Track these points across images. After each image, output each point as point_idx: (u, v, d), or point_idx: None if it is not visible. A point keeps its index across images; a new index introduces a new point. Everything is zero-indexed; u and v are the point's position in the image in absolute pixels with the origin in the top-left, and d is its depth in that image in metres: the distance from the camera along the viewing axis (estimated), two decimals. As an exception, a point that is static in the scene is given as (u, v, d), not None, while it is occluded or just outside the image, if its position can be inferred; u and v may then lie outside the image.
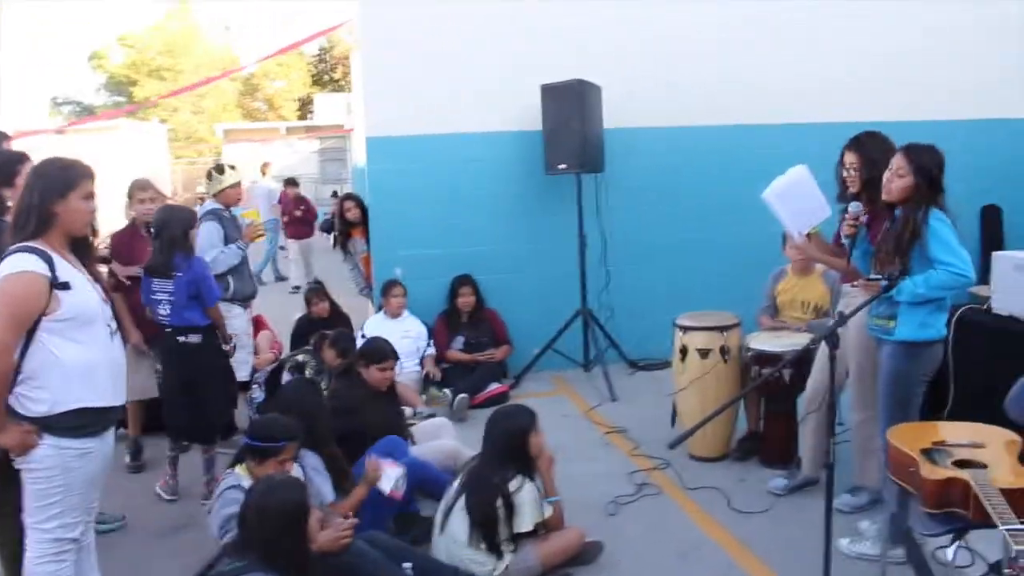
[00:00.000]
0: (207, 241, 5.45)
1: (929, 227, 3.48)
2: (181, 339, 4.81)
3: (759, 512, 4.39)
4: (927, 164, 3.54)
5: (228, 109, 43.20)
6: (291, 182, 14.78)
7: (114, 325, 3.08)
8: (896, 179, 3.57)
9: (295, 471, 3.65)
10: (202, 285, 4.82)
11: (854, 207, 3.69)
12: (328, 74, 47.45)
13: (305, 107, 45.19)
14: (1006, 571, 2.20)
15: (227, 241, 5.60)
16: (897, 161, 3.58)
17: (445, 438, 4.93)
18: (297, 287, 12.90)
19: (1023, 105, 8.19)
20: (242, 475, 3.44)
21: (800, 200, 4.07)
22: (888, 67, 7.77)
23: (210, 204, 5.85)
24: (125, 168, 6.62)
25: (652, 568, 3.89)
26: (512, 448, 3.71)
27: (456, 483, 3.77)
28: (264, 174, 16.80)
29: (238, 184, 5.86)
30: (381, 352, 4.87)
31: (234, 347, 5.15)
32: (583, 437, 5.69)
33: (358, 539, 3.44)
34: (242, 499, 3.02)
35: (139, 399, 5.28)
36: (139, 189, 5.49)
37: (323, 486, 3.86)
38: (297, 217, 13.83)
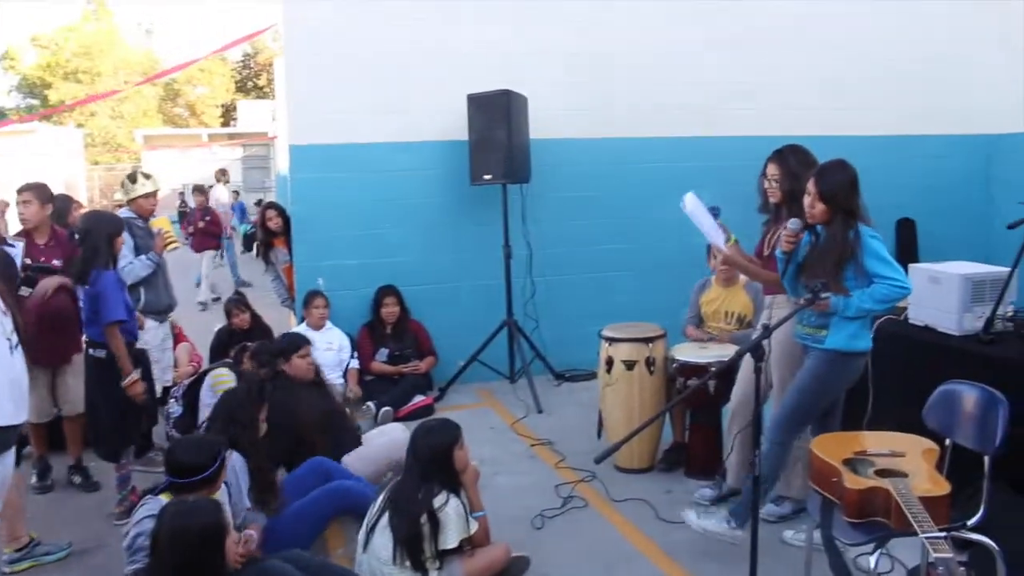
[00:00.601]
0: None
1: (863, 245, 3.53)
2: (91, 352, 4.64)
3: (685, 523, 4.38)
4: (832, 189, 3.57)
5: (148, 114, 42.23)
6: (199, 189, 13.64)
7: (15, 339, 2.93)
8: (815, 203, 3.62)
9: (222, 491, 3.52)
10: (100, 302, 4.51)
11: (793, 224, 3.71)
12: (252, 80, 46.79)
13: (228, 114, 44.47)
14: (925, 579, 2.22)
15: (138, 252, 5.42)
16: (809, 186, 3.65)
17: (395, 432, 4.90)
18: (203, 303, 12.13)
19: (934, 123, 8.45)
20: (165, 501, 3.27)
21: (700, 222, 4.14)
22: (808, 84, 7.94)
23: (124, 212, 5.64)
24: (39, 174, 6.34)
25: (579, 582, 3.87)
26: (436, 463, 3.63)
27: (379, 499, 3.68)
28: (219, 180, 16.50)
29: (153, 194, 5.67)
30: (293, 342, 4.95)
31: (138, 377, 4.74)
32: (509, 450, 5.65)
33: (275, 558, 3.34)
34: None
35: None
36: (17, 192, 5.24)
37: (240, 491, 3.80)
38: (201, 228, 12.74)
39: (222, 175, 17.00)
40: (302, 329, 6.69)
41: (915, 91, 8.31)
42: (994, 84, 8.46)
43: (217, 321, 7.52)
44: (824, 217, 3.61)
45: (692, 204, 4.11)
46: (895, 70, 8.21)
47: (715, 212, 4.18)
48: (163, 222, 5.57)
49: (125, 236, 5.32)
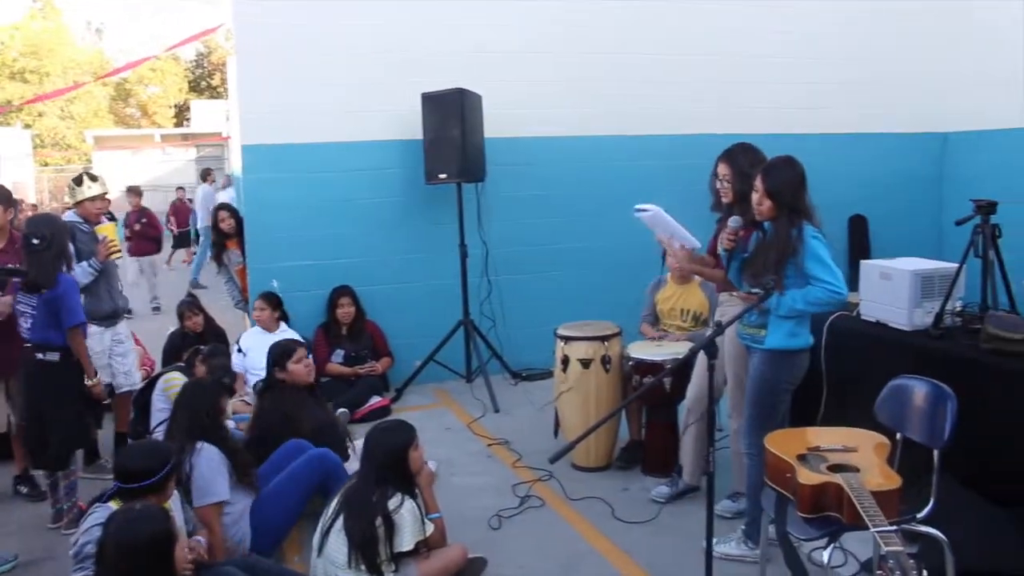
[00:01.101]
0: None
1: (805, 245, 3.54)
2: (39, 356, 4.52)
3: (642, 521, 4.39)
4: (779, 187, 3.58)
5: (99, 115, 41.51)
6: (133, 191, 12.93)
7: None
8: (762, 200, 3.64)
9: (174, 497, 3.45)
10: (61, 305, 4.50)
11: (733, 222, 3.73)
12: (206, 80, 46.23)
13: (182, 114, 43.89)
14: (877, 572, 2.23)
15: (80, 257, 5.28)
16: (756, 183, 3.66)
17: None
18: (128, 310, 11.84)
19: (886, 121, 8.57)
20: (115, 508, 3.20)
21: (670, 227, 4.14)
22: (763, 84, 8.01)
23: (69, 216, 5.49)
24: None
25: (536, 582, 3.85)
26: (391, 465, 3.59)
27: (333, 503, 3.63)
28: (204, 180, 16.49)
29: (100, 196, 5.52)
30: (287, 348, 4.93)
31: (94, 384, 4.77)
32: (466, 450, 5.62)
33: (228, 564, 3.29)
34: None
35: None
36: None
37: (212, 484, 3.79)
38: (137, 231, 12.18)
39: (207, 175, 16.91)
40: (256, 331, 6.61)
41: (868, 90, 8.42)
42: (944, 84, 8.59)
43: (171, 324, 7.41)
44: (770, 214, 3.62)
45: (654, 215, 4.10)
46: (848, 69, 8.32)
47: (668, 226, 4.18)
48: (108, 229, 5.39)
49: None
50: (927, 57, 8.57)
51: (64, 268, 4.60)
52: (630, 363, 4.97)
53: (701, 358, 4.25)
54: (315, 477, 4.15)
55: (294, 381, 4.87)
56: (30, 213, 11.28)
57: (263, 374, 6.29)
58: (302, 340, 5.22)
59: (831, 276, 3.52)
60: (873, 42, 8.40)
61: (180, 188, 20.43)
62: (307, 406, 4.82)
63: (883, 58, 8.44)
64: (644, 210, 4.03)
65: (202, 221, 15.48)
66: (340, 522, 3.52)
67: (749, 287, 3.71)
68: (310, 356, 6.48)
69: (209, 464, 3.84)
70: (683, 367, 4.43)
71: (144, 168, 31.70)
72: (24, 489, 5.11)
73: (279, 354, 4.93)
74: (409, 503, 3.53)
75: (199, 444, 3.89)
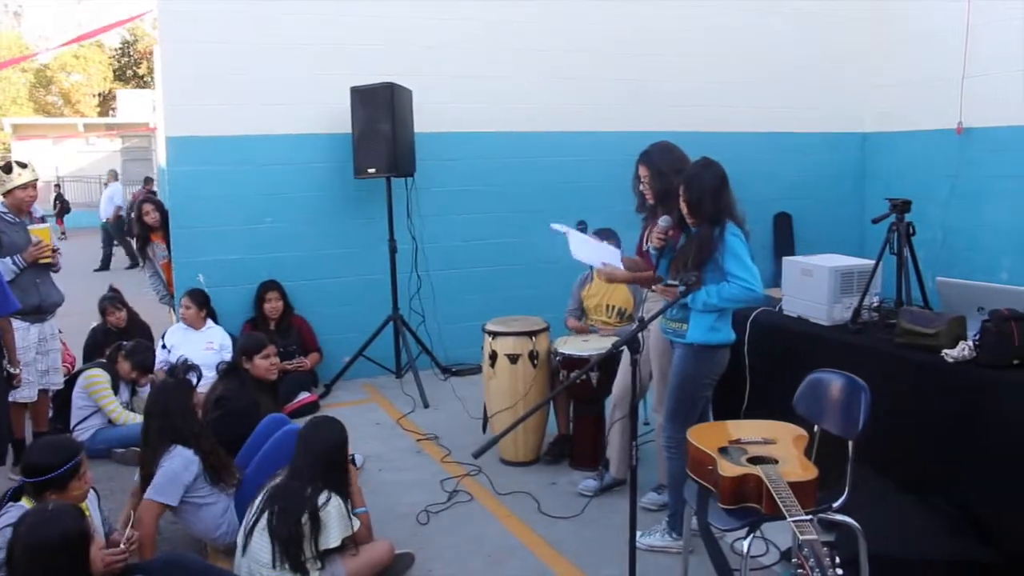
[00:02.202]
0: None
1: (725, 242, 3.61)
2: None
3: (570, 516, 4.43)
4: (699, 196, 3.65)
5: (18, 102, 40.27)
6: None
7: None
8: (686, 209, 3.71)
9: (90, 498, 3.38)
10: None
11: (663, 221, 3.79)
12: (132, 69, 45.07)
13: (107, 103, 42.77)
14: (794, 560, 2.29)
15: (4, 249, 5.10)
16: (680, 192, 3.73)
17: None
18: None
19: (809, 121, 8.77)
20: (28, 507, 3.11)
21: (587, 249, 4.20)
22: (692, 82, 8.14)
23: None
24: None
25: (464, 575, 3.86)
26: (328, 460, 3.56)
27: (258, 501, 3.59)
28: (114, 180, 16.88)
29: (31, 184, 5.31)
30: (260, 342, 4.94)
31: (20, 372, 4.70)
32: (395, 445, 5.60)
33: (149, 567, 3.23)
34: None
35: None
36: None
37: (165, 486, 3.78)
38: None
39: (113, 176, 17.39)
40: (181, 327, 6.50)
41: (792, 90, 8.60)
42: (864, 86, 8.84)
43: (93, 319, 7.22)
44: (697, 220, 3.70)
45: (569, 241, 4.18)
46: (773, 70, 8.49)
47: (582, 227, 4.25)
48: (44, 232, 5.19)
49: None
50: (847, 60, 8.80)
51: None
52: (558, 358, 5.01)
53: (627, 353, 4.30)
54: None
55: (255, 375, 4.86)
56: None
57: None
58: (264, 339, 5.14)
59: (747, 274, 3.60)
60: (797, 44, 8.59)
61: (148, 179, 20.00)
62: (264, 403, 4.77)
63: (806, 59, 8.63)
64: (558, 231, 4.12)
65: (104, 216, 16.77)
66: (264, 520, 3.47)
67: (673, 280, 3.76)
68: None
69: (172, 466, 3.81)
70: (609, 362, 4.48)
71: (67, 158, 30.88)
72: None
73: (251, 345, 4.93)
74: (336, 500, 3.50)
75: (173, 448, 3.86)
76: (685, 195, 3.69)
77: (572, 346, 5.05)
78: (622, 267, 4.24)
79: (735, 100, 8.35)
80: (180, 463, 3.84)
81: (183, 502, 3.87)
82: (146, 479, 3.89)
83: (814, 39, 8.64)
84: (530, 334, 5.08)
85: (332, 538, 3.47)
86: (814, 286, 4.65)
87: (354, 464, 4.32)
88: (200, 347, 6.30)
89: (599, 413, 5.00)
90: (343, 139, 6.84)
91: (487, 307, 6.43)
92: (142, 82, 41.75)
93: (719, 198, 3.65)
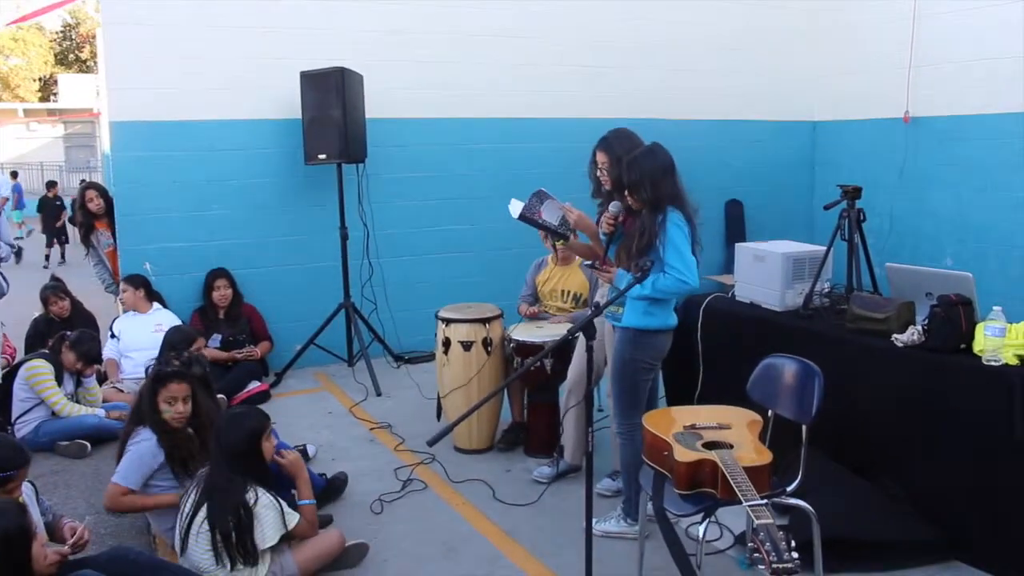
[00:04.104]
0: None
1: (665, 231, 3.59)
2: None
3: (525, 503, 4.42)
4: (638, 180, 3.62)
5: (-47, 86, 39.18)
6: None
7: None
8: (627, 192, 3.70)
9: (25, 490, 3.28)
10: None
11: (614, 207, 3.77)
12: (74, 52, 44.05)
13: (48, 88, 41.79)
14: (749, 544, 2.30)
15: None
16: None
17: None
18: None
19: (758, 109, 8.84)
20: None
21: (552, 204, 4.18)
22: (644, 66, 8.13)
23: None
24: None
25: (419, 565, 3.83)
26: (242, 455, 3.45)
27: (191, 497, 3.48)
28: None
29: None
30: (187, 335, 5.01)
31: None
32: (348, 434, 5.55)
33: (99, 557, 3.16)
34: None
35: None
36: None
37: (127, 468, 3.76)
38: None
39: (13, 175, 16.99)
40: (130, 314, 6.35)
41: (742, 79, 8.65)
42: (814, 74, 8.92)
43: (36, 309, 7.05)
44: (637, 205, 3.68)
45: (517, 208, 4.13)
46: (724, 59, 8.53)
47: (542, 196, 4.19)
48: None
49: None
50: (797, 49, 8.87)
51: None
52: (512, 345, 4.99)
53: (581, 339, 4.29)
54: None
55: None
56: None
57: (137, 357, 6.13)
58: (195, 330, 5.06)
59: (682, 265, 3.57)
60: (747, 32, 8.63)
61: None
62: (202, 398, 4.65)
63: (755, 49, 8.68)
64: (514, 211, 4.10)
65: None
66: (200, 518, 3.37)
67: (626, 270, 3.74)
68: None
69: (139, 450, 3.77)
70: (564, 348, 4.47)
71: (6, 145, 30.14)
72: None
73: (179, 340, 4.87)
74: (265, 496, 3.40)
75: (140, 431, 3.82)
76: (625, 179, 3.68)
77: (526, 332, 5.03)
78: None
79: (687, 88, 8.37)
80: (147, 448, 3.77)
81: (147, 486, 3.80)
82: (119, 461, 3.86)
83: (764, 27, 8.69)
84: (484, 321, 5.05)
85: (268, 536, 3.37)
86: (766, 272, 4.69)
87: (306, 455, 4.28)
88: (149, 330, 6.17)
89: (553, 400, 4.99)
90: (293, 124, 6.73)
91: (439, 294, 6.39)
92: (85, 66, 40.87)
93: (660, 184, 3.62)
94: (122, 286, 6.32)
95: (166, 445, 3.82)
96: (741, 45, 8.61)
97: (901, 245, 7.86)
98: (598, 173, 4.14)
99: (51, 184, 18.27)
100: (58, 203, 17.07)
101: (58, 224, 16.84)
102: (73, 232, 14.96)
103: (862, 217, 4.62)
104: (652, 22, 8.15)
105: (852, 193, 4.65)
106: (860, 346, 4.02)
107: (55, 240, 16.78)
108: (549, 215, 4.15)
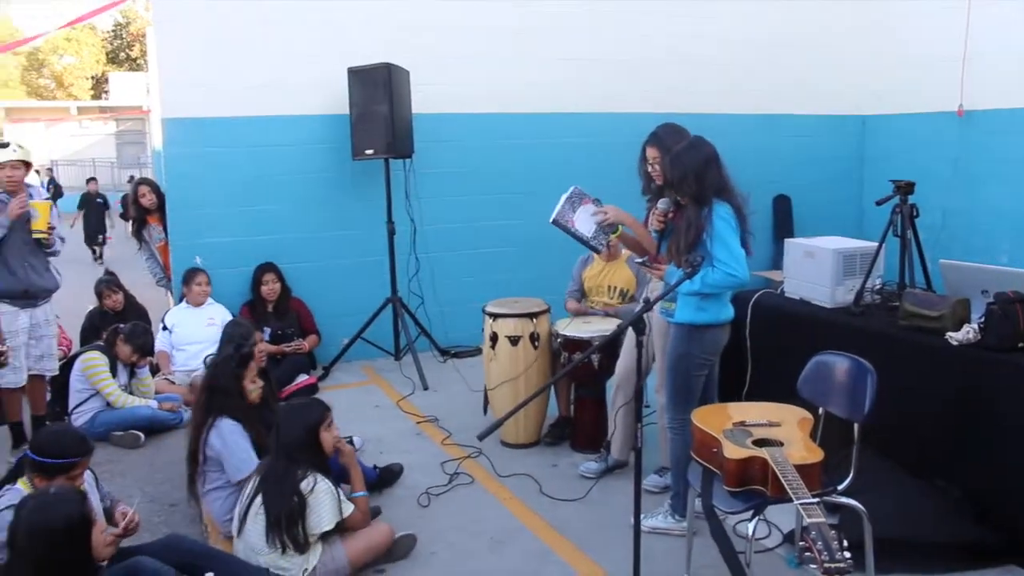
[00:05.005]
0: None
1: (712, 225, 3.56)
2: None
3: (572, 498, 4.42)
4: (681, 175, 3.59)
5: (10, 85, 40.07)
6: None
7: None
8: (672, 187, 3.68)
9: (86, 478, 3.37)
10: None
11: (663, 203, 3.75)
12: (125, 51, 44.83)
13: (99, 86, 42.58)
14: (800, 542, 2.28)
15: None
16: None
17: None
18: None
19: (808, 103, 8.72)
20: (25, 490, 3.10)
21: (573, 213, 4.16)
22: (690, 61, 8.07)
23: None
24: None
25: (467, 558, 3.85)
26: (302, 444, 3.54)
27: (250, 484, 3.58)
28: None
29: (7, 165, 5.22)
30: (249, 330, 5.02)
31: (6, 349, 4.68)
32: (395, 428, 5.59)
33: (152, 547, 3.23)
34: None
35: None
36: None
37: (235, 455, 3.81)
38: None
39: None
40: (183, 307, 6.47)
41: (791, 72, 8.54)
42: (864, 67, 8.76)
43: (87, 302, 7.20)
44: (683, 200, 3.66)
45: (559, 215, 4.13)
46: (773, 52, 8.42)
47: (575, 200, 4.15)
48: (43, 208, 5.10)
49: None
50: (847, 42, 8.72)
51: None
52: (559, 340, 4.99)
53: (630, 334, 4.28)
54: None
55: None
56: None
57: (191, 350, 6.24)
58: (253, 324, 5.16)
59: (730, 258, 3.54)
60: (797, 24, 8.51)
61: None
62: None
63: (805, 42, 8.56)
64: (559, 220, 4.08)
65: None
66: (258, 503, 3.46)
67: (676, 266, 3.73)
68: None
69: (234, 440, 3.84)
70: (611, 344, 4.46)
71: (59, 142, 30.77)
72: None
73: (238, 334, 4.91)
74: (324, 483, 3.49)
75: (220, 420, 3.87)
76: (669, 173, 3.66)
77: (574, 328, 5.02)
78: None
79: (734, 82, 8.29)
80: (240, 430, 3.87)
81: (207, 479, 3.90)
82: (192, 454, 3.92)
83: (814, 20, 8.57)
84: (531, 315, 5.06)
85: (324, 521, 3.46)
86: (817, 268, 4.64)
87: (352, 445, 4.32)
88: (202, 324, 6.32)
89: (600, 395, 4.98)
90: (341, 120, 6.79)
91: (486, 289, 6.39)
92: (135, 64, 41.58)
93: (703, 178, 3.58)
94: (199, 278, 6.44)
95: (250, 430, 3.91)
96: (790, 39, 8.49)
97: (954, 241, 7.71)
98: (648, 168, 4.12)
99: (91, 181, 18.22)
100: (99, 200, 16.79)
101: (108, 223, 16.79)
102: (124, 227, 15.21)
103: (915, 212, 4.55)
104: (698, 18, 8.08)
105: (905, 188, 4.58)
106: (913, 344, 3.96)
107: (99, 236, 16.52)
108: (583, 224, 4.12)
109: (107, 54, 44.69)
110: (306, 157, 6.96)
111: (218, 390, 3.95)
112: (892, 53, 8.56)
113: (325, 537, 3.50)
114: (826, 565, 2.08)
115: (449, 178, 7.37)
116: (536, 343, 5.04)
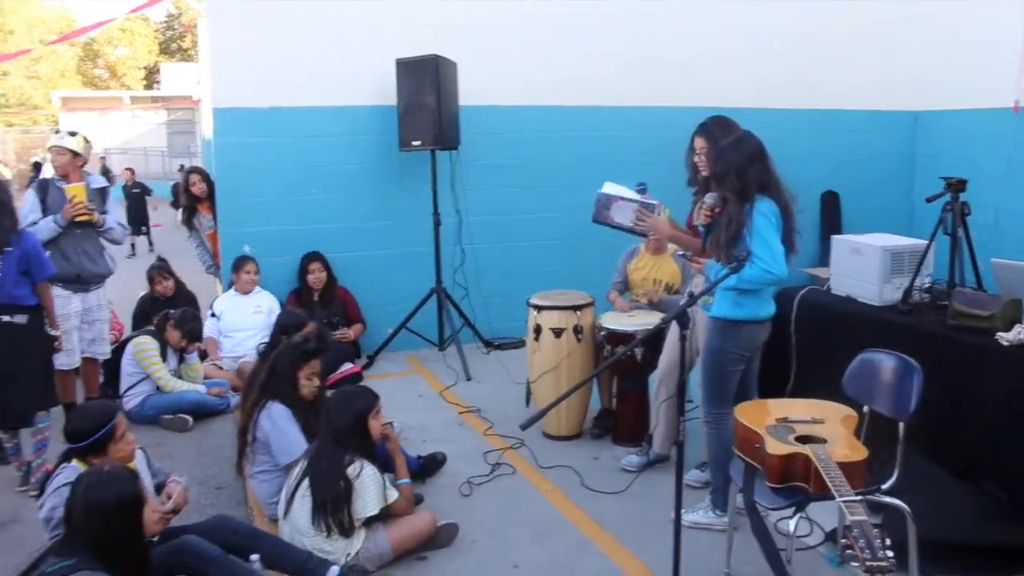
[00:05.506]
0: (24, 209, 5.11)
1: (752, 220, 3.54)
2: (5, 318, 4.46)
3: (613, 491, 4.43)
4: (724, 170, 3.59)
5: (66, 75, 40.82)
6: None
7: None
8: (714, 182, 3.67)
9: (138, 457, 3.46)
10: (33, 260, 4.54)
11: (710, 198, 3.74)
12: (177, 42, 45.50)
13: (151, 76, 43.25)
14: (842, 540, 2.27)
15: (47, 214, 5.21)
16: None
17: None
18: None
19: (858, 99, 8.61)
20: (80, 469, 3.18)
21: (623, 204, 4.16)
22: (738, 55, 8.01)
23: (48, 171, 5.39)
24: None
25: (508, 548, 3.88)
26: (350, 430, 3.61)
27: (298, 467, 3.65)
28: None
29: (53, 149, 5.33)
30: (300, 320, 5.05)
31: (60, 334, 4.83)
32: (437, 417, 5.64)
33: (198, 527, 3.31)
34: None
35: None
36: None
37: (285, 437, 3.89)
38: None
39: None
40: (231, 294, 6.58)
41: (841, 66, 8.43)
42: (916, 62, 8.62)
43: (139, 287, 7.35)
44: (727, 195, 3.64)
45: (611, 188, 4.13)
46: (821, 46, 8.32)
47: (642, 188, 4.20)
48: (77, 189, 5.23)
49: (32, 194, 5.25)
50: (898, 36, 8.58)
51: (12, 226, 4.55)
52: (602, 333, 5.00)
53: (674, 328, 4.28)
54: None
55: None
56: None
57: (238, 336, 6.35)
58: (305, 314, 5.23)
59: (768, 255, 3.49)
60: (848, 17, 8.40)
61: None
62: None
63: (856, 36, 8.44)
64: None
65: None
66: (305, 485, 3.54)
67: (716, 260, 3.72)
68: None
69: (282, 427, 3.91)
70: (654, 337, 4.46)
71: (113, 131, 31.31)
72: None
73: (291, 324, 4.97)
74: (370, 469, 3.56)
75: (271, 404, 3.95)
76: (713, 167, 3.66)
77: (617, 321, 5.03)
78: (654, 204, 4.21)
79: (782, 76, 8.20)
80: (288, 418, 3.93)
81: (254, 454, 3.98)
82: (243, 431, 4.02)
83: (865, 14, 8.44)
84: (575, 308, 5.07)
85: (370, 506, 3.53)
86: (864, 265, 4.59)
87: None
88: (250, 311, 6.44)
89: (643, 389, 4.98)
90: (388, 111, 6.85)
91: (530, 281, 6.42)
92: (186, 55, 42.14)
93: (746, 174, 3.56)
94: (248, 266, 6.55)
95: (300, 419, 3.97)
96: (841, 33, 8.37)
97: (1006, 240, 7.54)
98: (695, 159, 4.11)
99: (127, 170, 18.10)
100: (136, 190, 16.39)
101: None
102: (174, 214, 15.39)
103: (966, 210, 4.47)
104: (744, 9, 8.01)
105: (956, 185, 4.50)
106: (962, 344, 3.90)
107: (141, 226, 15.98)
108: (620, 215, 4.14)
109: (159, 45, 45.37)
110: (353, 148, 7.03)
111: (276, 373, 4.02)
112: (946, 47, 8.40)
113: (369, 522, 3.56)
114: (868, 563, 2.07)
115: (495, 170, 7.40)
116: (580, 336, 5.05)
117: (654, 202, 4.15)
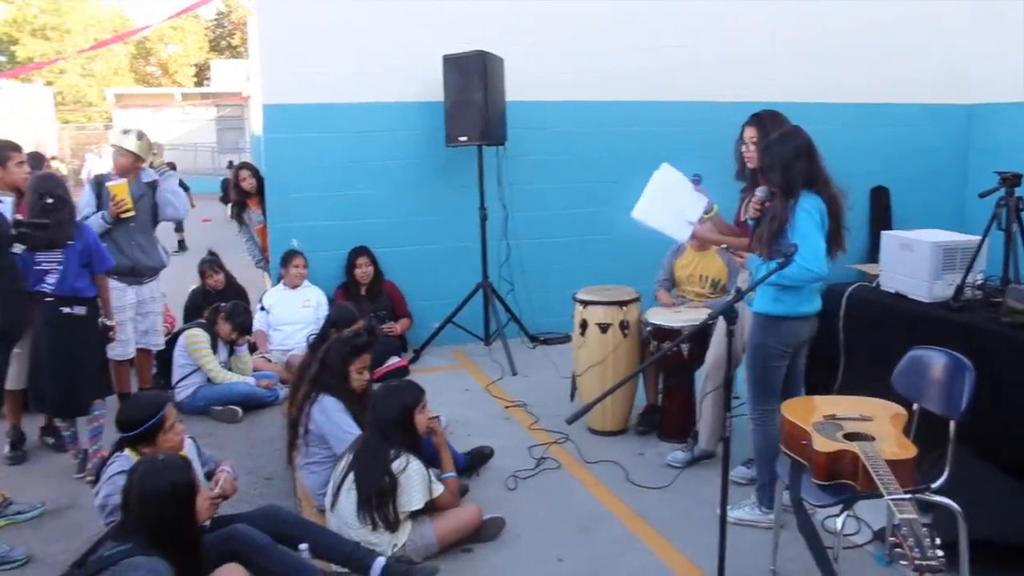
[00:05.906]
0: (80, 204, 5.31)
1: (795, 216, 3.50)
2: (65, 310, 4.58)
3: (658, 487, 4.43)
4: (770, 164, 3.57)
5: (120, 73, 41.56)
6: None
7: None
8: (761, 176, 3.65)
9: (187, 446, 3.54)
10: (93, 253, 4.70)
11: (760, 192, 3.71)
12: (226, 39, 46.13)
13: (202, 73, 43.89)
14: (891, 539, 2.25)
15: (100, 210, 5.37)
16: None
17: None
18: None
19: (911, 92, 8.46)
20: (133, 457, 3.27)
21: (671, 200, 4.15)
22: (786, 49, 7.93)
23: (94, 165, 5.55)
24: (8, 132, 6.32)
25: (552, 542, 3.89)
26: (397, 424, 3.66)
27: (345, 460, 3.71)
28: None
29: (125, 152, 5.50)
30: (350, 316, 5.09)
31: (115, 324, 4.97)
32: (483, 411, 5.67)
33: (248, 516, 3.38)
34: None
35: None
36: (13, 152, 4.96)
37: (340, 428, 3.95)
38: None
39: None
40: (280, 289, 6.68)
41: (893, 59, 8.30)
42: (972, 54, 8.45)
43: (191, 281, 7.49)
44: (773, 190, 3.61)
45: (662, 178, 4.14)
46: (873, 38, 8.20)
47: (696, 180, 4.21)
48: (119, 188, 5.35)
49: (88, 190, 5.41)
50: (955, 28, 8.43)
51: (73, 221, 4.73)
52: (648, 328, 4.99)
53: (720, 324, 4.26)
54: None
55: None
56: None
57: (287, 330, 6.44)
58: (355, 312, 5.30)
59: (808, 252, 3.43)
60: (898, 13, 8.26)
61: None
62: None
63: (907, 29, 8.31)
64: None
65: None
66: (351, 478, 3.59)
67: (759, 255, 3.69)
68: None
69: (334, 419, 3.97)
70: (701, 333, 4.44)
71: (164, 127, 31.83)
72: (50, 440, 5.19)
73: (341, 319, 5.03)
74: (416, 463, 3.59)
75: (321, 397, 4.02)
76: (759, 161, 3.65)
77: (663, 316, 5.02)
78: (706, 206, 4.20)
79: (830, 70, 8.09)
80: (340, 409, 4.00)
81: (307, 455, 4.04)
82: (293, 423, 4.11)
83: (917, 5, 8.29)
84: (621, 304, 5.08)
85: (415, 500, 3.57)
86: (915, 261, 4.53)
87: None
88: (298, 305, 6.53)
89: (689, 385, 4.97)
90: (435, 107, 6.89)
91: (576, 276, 6.41)
92: (236, 52, 42.70)
93: (791, 169, 3.52)
94: (297, 260, 6.65)
95: (351, 412, 4.03)
96: (892, 26, 8.24)
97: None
98: (744, 149, 4.09)
99: (169, 165, 18.21)
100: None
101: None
102: (224, 209, 15.53)
103: (1021, 206, 4.39)
104: (797, 8, 7.92)
105: (1011, 180, 4.42)
106: (1016, 341, 3.84)
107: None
108: (663, 220, 4.16)
109: (209, 42, 46.01)
110: (401, 143, 7.08)
111: (327, 367, 4.09)
112: (1001, 39, 8.21)
113: (415, 515, 3.60)
114: (917, 562, 2.04)
115: (541, 165, 7.41)
116: (626, 331, 5.05)
117: (704, 201, 4.14)
